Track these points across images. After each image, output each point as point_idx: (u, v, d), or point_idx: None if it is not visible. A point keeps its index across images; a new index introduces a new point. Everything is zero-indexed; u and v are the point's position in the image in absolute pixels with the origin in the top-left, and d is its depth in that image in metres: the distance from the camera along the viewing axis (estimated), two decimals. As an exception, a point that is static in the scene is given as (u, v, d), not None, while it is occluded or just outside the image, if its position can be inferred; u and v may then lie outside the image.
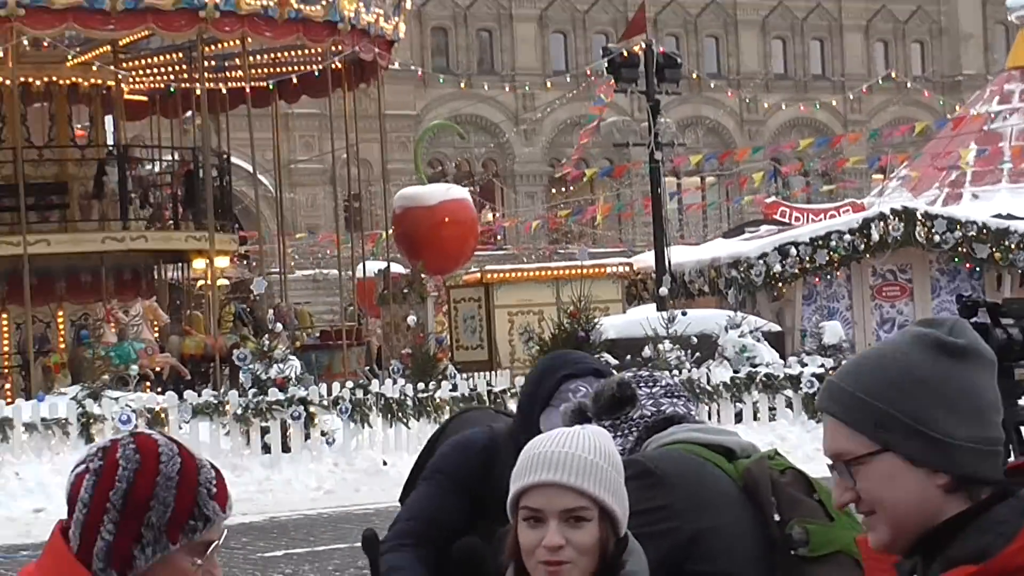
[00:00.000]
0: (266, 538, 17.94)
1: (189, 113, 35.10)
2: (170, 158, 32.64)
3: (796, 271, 31.73)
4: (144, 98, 34.98)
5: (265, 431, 22.68)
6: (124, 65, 32.39)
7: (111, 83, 31.87)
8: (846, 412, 2.48)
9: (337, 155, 35.26)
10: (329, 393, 23.54)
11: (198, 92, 29.77)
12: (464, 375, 25.62)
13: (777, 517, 3.76)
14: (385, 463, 21.32)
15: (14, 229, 27.40)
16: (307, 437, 22.90)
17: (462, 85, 61.62)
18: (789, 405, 25.35)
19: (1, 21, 26.10)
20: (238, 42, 29.59)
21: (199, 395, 23.29)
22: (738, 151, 56.04)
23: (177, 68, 33.66)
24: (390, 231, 35.37)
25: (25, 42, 28.52)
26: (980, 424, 2.47)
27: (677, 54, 36.38)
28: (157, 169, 32.34)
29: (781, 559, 3.73)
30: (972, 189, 44.15)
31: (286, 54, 32.93)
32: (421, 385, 24.32)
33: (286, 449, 22.63)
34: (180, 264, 35.63)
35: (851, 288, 32.45)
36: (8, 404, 22.28)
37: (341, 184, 36.28)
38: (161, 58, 33.78)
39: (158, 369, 28.91)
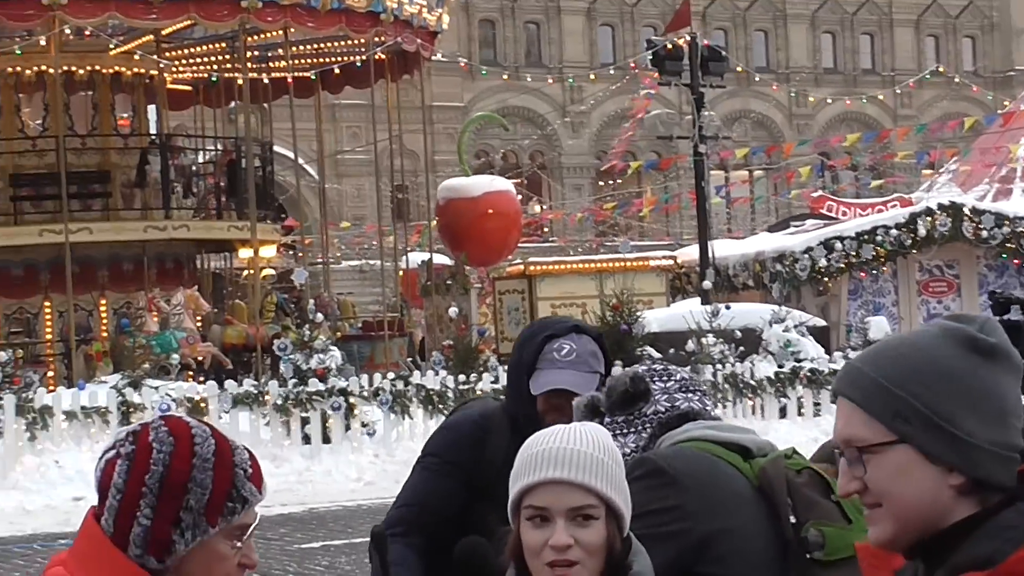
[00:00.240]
0: (304, 529, 17.90)
1: (235, 103, 35.14)
2: (213, 148, 32.63)
3: (842, 266, 31.53)
4: (188, 88, 35.06)
5: (305, 422, 22.67)
6: (167, 55, 32.44)
7: (154, 72, 31.91)
8: (865, 398, 2.37)
9: (383, 146, 35.22)
10: (370, 384, 23.51)
11: (240, 82, 29.77)
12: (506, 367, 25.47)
13: (793, 519, 3.63)
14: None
15: (56, 218, 27.44)
16: (347, 428, 22.89)
17: (505, 77, 61.53)
18: (834, 400, 25.10)
19: (44, 10, 26.13)
20: (281, 32, 29.56)
21: (240, 385, 23.29)
22: (784, 145, 55.78)
23: (220, 58, 33.69)
24: (434, 222, 35.32)
25: (67, 31, 28.56)
26: (1002, 427, 2.36)
27: (722, 47, 36.25)
28: (201, 159, 32.35)
29: (796, 563, 3.61)
30: (1023, 184, 43.73)
31: (329, 44, 32.93)
32: (462, 377, 24.26)
33: (326, 440, 22.64)
34: (225, 254, 35.69)
35: (897, 283, 32.22)
36: (50, 392, 22.33)
37: (387, 175, 36.24)
38: (204, 48, 33.84)
39: (200, 358, 28.92)
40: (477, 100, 67.34)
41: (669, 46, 33.64)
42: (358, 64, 31.45)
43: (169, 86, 33.73)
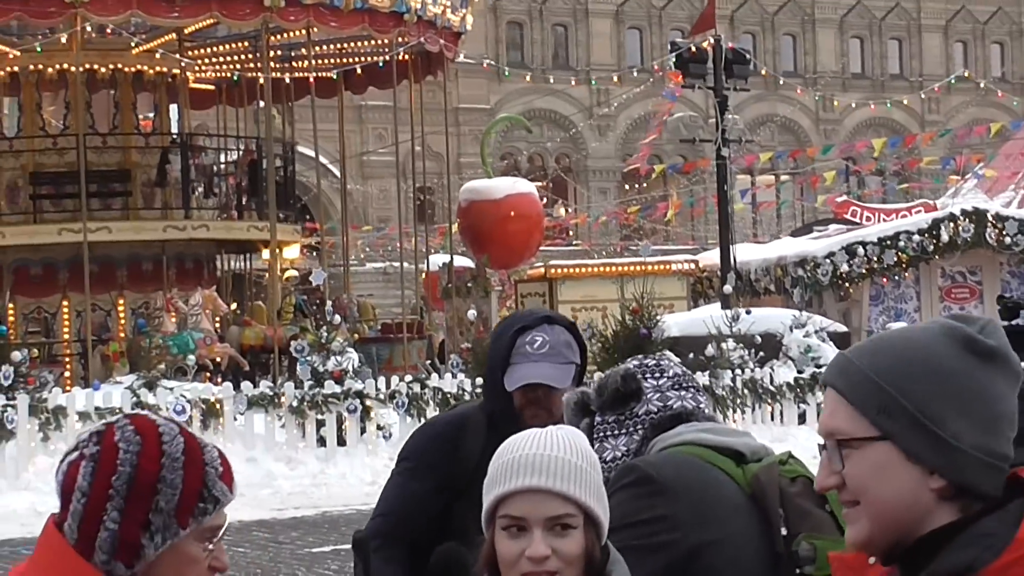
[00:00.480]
0: (316, 533, 17.81)
1: (262, 103, 35.07)
2: (235, 147, 32.58)
3: (863, 271, 31.40)
4: (211, 87, 35.04)
5: (321, 424, 22.60)
6: (190, 53, 32.41)
7: (176, 71, 31.88)
8: (851, 389, 2.28)
9: (408, 148, 35.11)
10: (387, 386, 23.44)
11: (261, 81, 29.73)
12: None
13: (784, 531, 3.49)
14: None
15: (76, 216, 27.41)
16: (363, 431, 22.82)
17: (527, 78, 61.44)
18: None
19: (65, 7, 26.10)
20: (304, 32, 29.48)
21: (256, 386, 23.22)
22: (808, 149, 55.63)
23: (243, 57, 33.65)
24: (455, 224, 35.24)
25: (89, 28, 28.53)
26: (992, 434, 2.25)
27: (747, 50, 35.98)
28: (224, 158, 32.32)
29: None
30: (1049, 191, 43.61)
31: (353, 45, 32.87)
32: (480, 380, 24.14)
33: (341, 442, 22.56)
34: (247, 254, 35.67)
35: (919, 289, 32.08)
36: (65, 392, 22.29)
37: (413, 177, 36.18)
38: (227, 47, 33.82)
39: (217, 359, 28.86)
40: (504, 102, 67.31)
41: (693, 49, 33.50)
42: (380, 64, 31.36)
43: (192, 85, 33.70)
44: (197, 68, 33.57)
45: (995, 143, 53.69)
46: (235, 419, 22.35)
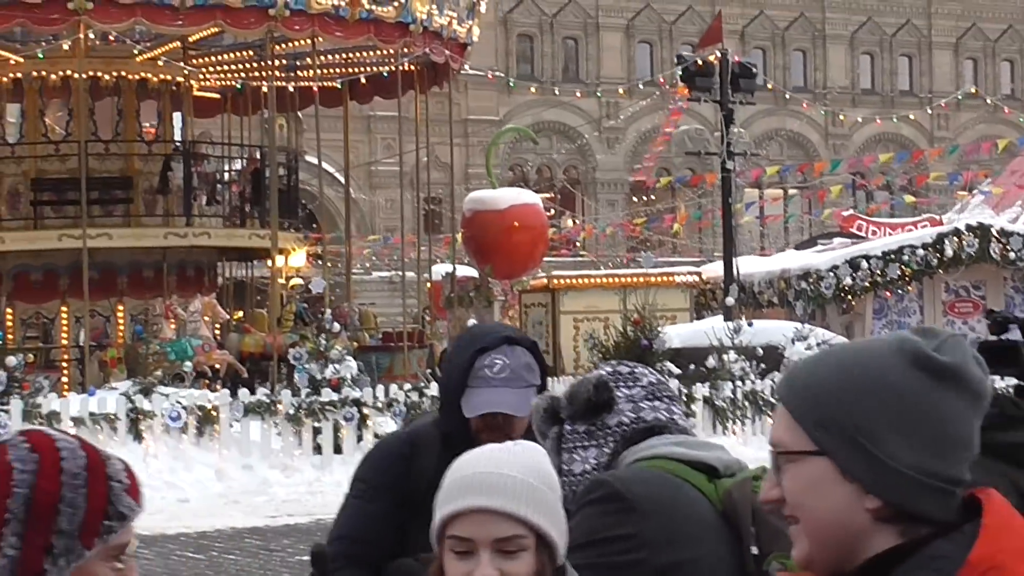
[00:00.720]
0: (308, 540, 17.62)
1: (264, 112, 35.02)
2: (238, 156, 32.54)
3: (867, 285, 31.28)
4: (216, 95, 34.98)
5: (317, 432, 22.53)
6: (194, 62, 32.37)
7: (180, 79, 31.83)
8: (793, 401, 2.20)
9: (417, 158, 35.04)
10: (386, 395, 23.36)
11: (264, 90, 29.69)
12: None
13: (756, 550, 3.34)
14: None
15: (77, 223, 27.35)
16: (360, 439, 22.74)
17: (533, 90, 61.41)
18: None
19: (69, 15, 26.08)
20: (309, 41, 29.45)
21: (254, 393, 23.16)
22: (815, 164, 55.54)
23: (248, 66, 33.59)
24: (458, 234, 35.18)
25: (92, 36, 28.49)
26: (936, 456, 2.14)
27: (753, 64, 35.91)
28: (227, 166, 32.28)
29: None
30: (1056, 208, 43.38)
31: (359, 55, 32.78)
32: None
33: (338, 450, 22.47)
34: (252, 262, 35.62)
35: (923, 303, 31.97)
36: (61, 397, 22.23)
37: (422, 187, 36.17)
38: (232, 55, 33.74)
39: (216, 366, 28.81)
40: (513, 114, 67.28)
41: (700, 62, 33.44)
42: (385, 75, 31.29)
43: (197, 93, 33.65)
44: (201, 76, 33.50)
45: (1003, 159, 53.56)
46: (231, 426, 22.28)
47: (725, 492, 3.42)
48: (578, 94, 63.24)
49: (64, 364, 28.74)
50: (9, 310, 29.83)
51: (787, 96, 63.22)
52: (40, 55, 29.37)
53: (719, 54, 33.86)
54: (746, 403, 24.54)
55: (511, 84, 59.51)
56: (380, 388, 23.79)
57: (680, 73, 34.74)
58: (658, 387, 3.62)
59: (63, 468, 2.47)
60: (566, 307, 32.51)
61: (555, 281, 33.26)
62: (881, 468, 2.12)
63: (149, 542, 17.66)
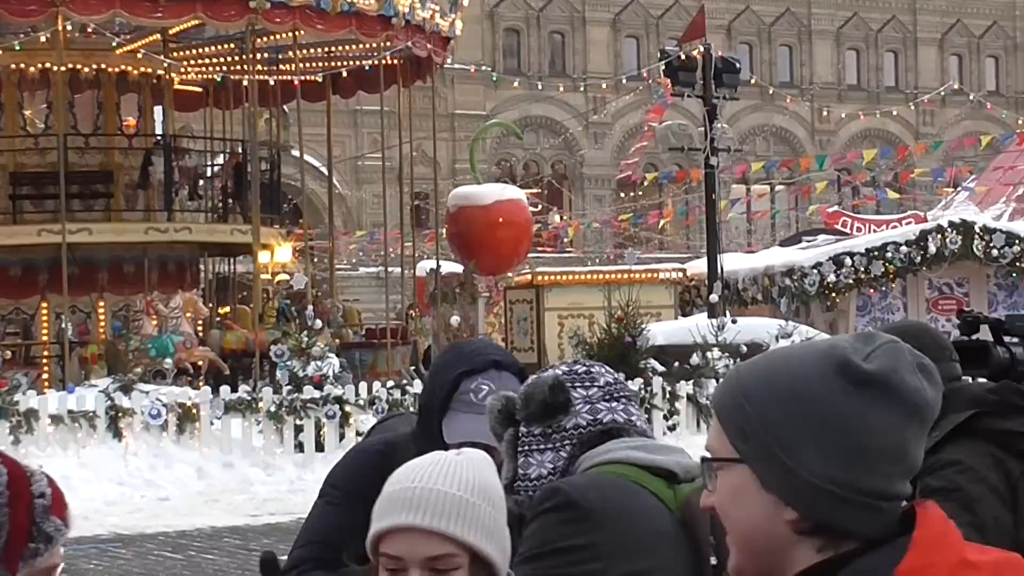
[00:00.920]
0: (288, 540, 17.28)
1: (246, 105, 34.81)
2: (220, 150, 32.36)
3: (851, 282, 31.21)
4: (198, 89, 34.77)
5: (299, 429, 22.40)
6: (174, 55, 32.16)
7: (161, 72, 31.63)
8: (722, 408, 2.14)
9: (404, 153, 34.90)
10: (368, 392, 23.25)
11: (245, 83, 29.53)
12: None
13: (715, 559, 3.22)
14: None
15: (56, 217, 27.17)
16: (342, 437, 22.63)
17: (516, 84, 61.27)
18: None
19: (46, 6, 25.92)
20: (291, 34, 29.28)
21: (235, 391, 23.02)
22: (801, 160, 55.51)
23: (230, 59, 33.40)
24: (442, 230, 35.06)
25: (70, 28, 28.29)
26: (855, 468, 2.03)
27: (736, 59, 35.78)
28: (209, 161, 32.10)
29: None
30: (1040, 204, 43.42)
31: (342, 48, 32.65)
32: (461, 387, 23.89)
33: (320, 448, 22.34)
34: (237, 258, 35.43)
35: (906, 300, 31.90)
36: (40, 395, 22.06)
37: (408, 182, 36.01)
38: (214, 48, 33.56)
39: (199, 363, 28.64)
40: (499, 109, 67.18)
41: (683, 57, 33.31)
42: (368, 68, 31.15)
43: (179, 87, 33.45)
44: (183, 70, 33.30)
45: (988, 155, 53.60)
46: (212, 424, 22.15)
47: (684, 499, 3.30)
48: (561, 88, 63.13)
49: (44, 361, 28.51)
50: (-12, 305, 29.66)
51: (771, 91, 63.17)
52: (17, 47, 29.14)
53: (702, 49, 33.74)
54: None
55: (494, 79, 59.38)
56: (363, 385, 23.66)
57: (663, 68, 34.60)
58: (616, 387, 3.50)
59: None
60: (550, 304, 32.36)
61: (539, 277, 33.12)
62: (794, 480, 2.04)
63: (127, 541, 17.54)
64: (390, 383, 24.41)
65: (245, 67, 30.85)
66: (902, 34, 77.29)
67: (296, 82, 30.12)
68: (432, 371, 4.31)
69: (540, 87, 64.33)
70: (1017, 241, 31.73)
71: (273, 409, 22.31)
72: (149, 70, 31.30)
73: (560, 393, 3.42)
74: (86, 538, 17.62)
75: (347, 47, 32.27)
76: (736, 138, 66.76)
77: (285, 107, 36.02)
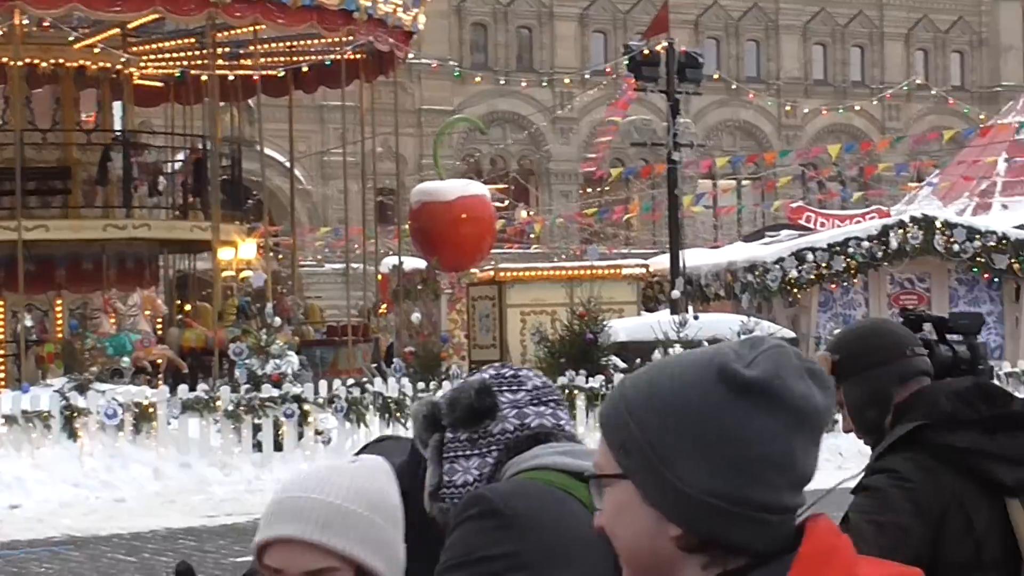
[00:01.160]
0: (244, 541, 17.37)
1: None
2: (181, 146, 32.13)
3: (813, 277, 31.11)
4: (159, 84, 34.52)
5: (258, 428, 22.23)
6: (134, 49, 31.90)
7: (119, 67, 31.37)
8: (606, 422, 2.03)
9: (369, 148, 34.76)
10: (330, 390, 23.09)
11: (204, 79, 29.31)
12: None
13: None
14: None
15: (12, 213, 26.91)
16: (301, 436, 22.47)
17: (477, 79, 61.18)
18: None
19: (3, 0, 25.60)
20: (251, 28, 29.07)
21: (193, 389, 22.82)
22: (765, 155, 55.54)
23: (191, 54, 33.17)
24: (406, 226, 34.93)
25: (27, 21, 28.01)
26: (739, 479, 1.92)
27: (699, 54, 35.70)
28: (170, 157, 31.87)
29: None
30: (1002, 199, 43.37)
31: (305, 43, 32.47)
32: (422, 384, 23.81)
33: (278, 448, 22.21)
34: (198, 255, 35.21)
35: (868, 295, 31.80)
36: (-3, 394, 21.86)
37: (374, 178, 35.84)
38: (174, 43, 33.30)
39: (159, 362, 28.43)
40: (466, 104, 67.04)
41: (646, 52, 33.22)
42: (328, 63, 30.96)
43: (140, 82, 33.20)
44: (142, 64, 33.03)
45: (952, 149, 53.66)
46: (169, 423, 21.95)
47: None
48: (524, 84, 63.01)
49: (0, 360, 28.26)
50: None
51: (733, 86, 63.16)
52: (-31, 41, 28.91)
53: (665, 44, 33.65)
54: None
55: (455, 74, 59.23)
56: (322, 384, 23.50)
57: (627, 63, 34.50)
58: (544, 391, 3.41)
59: None
60: (512, 300, 32.25)
61: (502, 274, 33.00)
62: (675, 495, 1.95)
63: (81, 544, 17.37)
64: (350, 381, 24.26)
65: (205, 62, 30.63)
66: (869, 29, 77.45)
67: (256, 77, 29.90)
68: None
69: (503, 82, 64.14)
70: (978, 236, 31.66)
71: (231, 408, 22.12)
72: (108, 65, 31.04)
73: (486, 397, 3.33)
74: (39, 541, 17.46)
75: (309, 42, 32.09)
76: (703, 133, 67.12)
77: (250, 102, 35.84)
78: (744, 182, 67.62)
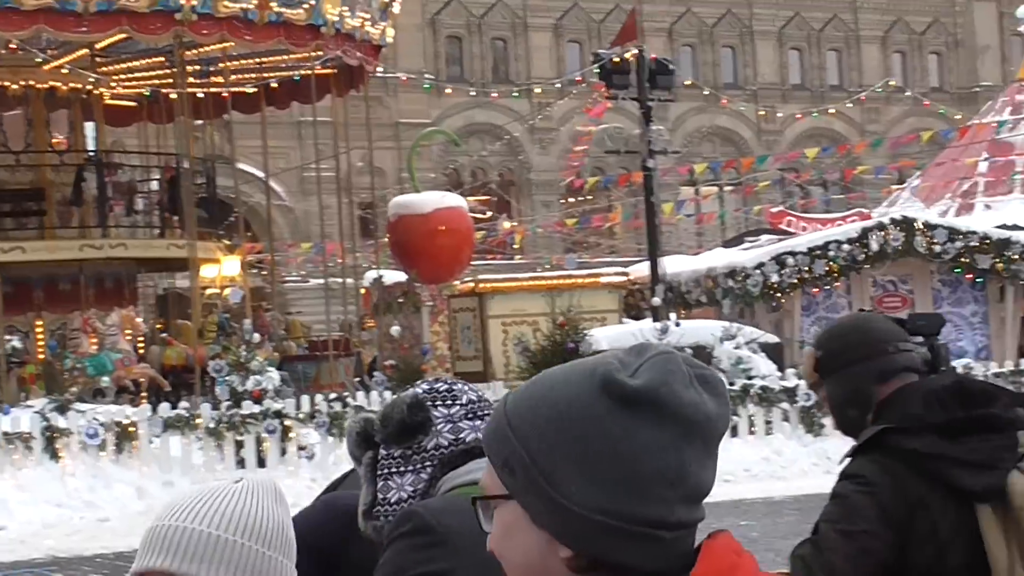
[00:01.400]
0: (226, 558, 17.27)
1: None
2: (155, 164, 32.03)
3: (794, 281, 31.03)
4: (131, 103, 34.41)
5: (240, 445, 22.13)
6: (103, 69, 31.76)
7: (90, 87, 31.24)
8: (489, 441, 1.94)
9: (345, 163, 34.71)
10: (312, 405, 23.00)
11: (173, 96, 29.19)
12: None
13: None
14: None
15: (-11, 236, 26.83)
16: (283, 452, 22.37)
17: (448, 91, 61.05)
18: (786, 418, 24.81)
19: (-32, 23, 25.55)
20: (220, 46, 28.98)
21: (174, 407, 22.73)
22: (744, 160, 55.52)
23: (161, 72, 33.05)
24: (383, 240, 34.87)
25: (-6, 44, 27.96)
26: (628, 495, 1.83)
27: (669, 61, 35.69)
28: (145, 175, 31.76)
29: None
30: (984, 200, 43.33)
31: (275, 59, 32.38)
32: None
33: (261, 464, 22.11)
34: (175, 272, 35.11)
35: (851, 299, 31.71)
36: (-24, 416, 21.70)
37: (354, 192, 35.74)
38: (143, 62, 33.18)
39: (141, 380, 28.32)
40: (443, 116, 67.02)
41: (617, 60, 33.16)
42: (296, 78, 30.87)
43: (111, 102, 33.08)
44: (112, 84, 32.90)
45: (933, 151, 53.66)
46: (151, 442, 21.84)
47: None
48: (495, 94, 62.97)
49: (-19, 382, 28.16)
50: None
51: (705, 92, 63.09)
52: (-62, 64, 28.81)
53: (636, 51, 33.59)
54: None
55: (425, 87, 59.16)
56: (304, 399, 23.41)
57: (597, 71, 34.44)
58: (479, 405, 3.36)
59: None
60: (493, 311, 32.19)
61: (482, 285, 32.93)
62: (562, 513, 1.86)
63: (64, 564, 17.25)
64: (331, 395, 24.16)
65: (175, 80, 30.55)
66: (844, 33, 77.54)
67: (226, 94, 29.79)
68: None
69: (473, 93, 64.04)
70: (959, 236, 31.59)
71: (212, 425, 22.01)
72: (78, 86, 30.93)
73: (419, 412, 3.29)
74: (22, 562, 17.35)
75: (279, 58, 32.00)
76: (682, 140, 67.13)
77: (227, 118, 35.74)
78: (726, 188, 67.68)
